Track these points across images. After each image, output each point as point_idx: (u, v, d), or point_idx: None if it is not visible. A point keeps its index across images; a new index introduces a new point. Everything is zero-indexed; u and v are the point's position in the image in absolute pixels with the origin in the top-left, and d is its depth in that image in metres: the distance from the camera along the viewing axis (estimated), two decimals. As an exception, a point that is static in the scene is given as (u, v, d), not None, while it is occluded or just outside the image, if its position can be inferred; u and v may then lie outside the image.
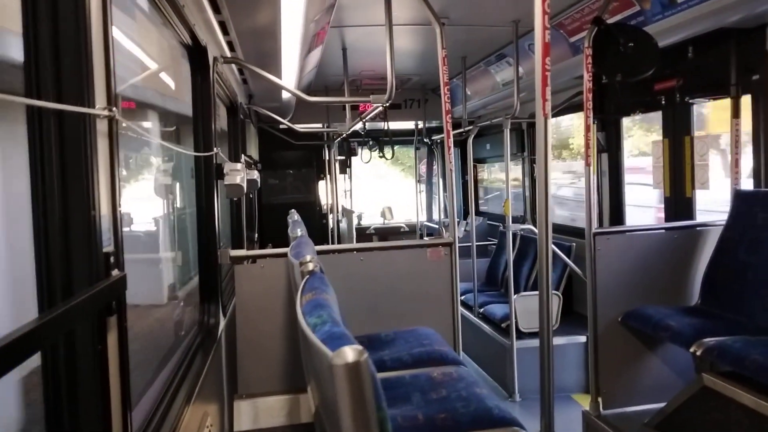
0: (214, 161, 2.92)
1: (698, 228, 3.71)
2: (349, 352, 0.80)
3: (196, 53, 2.78)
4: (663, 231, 3.79)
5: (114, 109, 1.25)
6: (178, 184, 3.38)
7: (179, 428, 1.87)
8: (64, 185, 1.14)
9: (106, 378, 1.22)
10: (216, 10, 2.72)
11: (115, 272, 1.25)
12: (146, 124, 2.76)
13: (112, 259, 1.23)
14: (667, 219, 4.34)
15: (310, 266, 1.48)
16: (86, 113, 1.14)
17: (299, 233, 2.84)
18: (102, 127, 1.22)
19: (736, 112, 3.59)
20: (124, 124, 1.38)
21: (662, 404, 3.17)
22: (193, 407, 2.12)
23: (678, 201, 4.23)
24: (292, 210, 4.31)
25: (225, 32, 3.08)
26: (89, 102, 1.16)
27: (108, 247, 1.23)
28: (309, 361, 1.22)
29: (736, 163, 3.58)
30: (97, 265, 1.18)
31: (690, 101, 4.03)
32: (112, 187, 1.27)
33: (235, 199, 4.18)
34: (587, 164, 3.39)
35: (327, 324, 0.99)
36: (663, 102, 4.24)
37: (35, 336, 0.92)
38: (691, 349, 2.88)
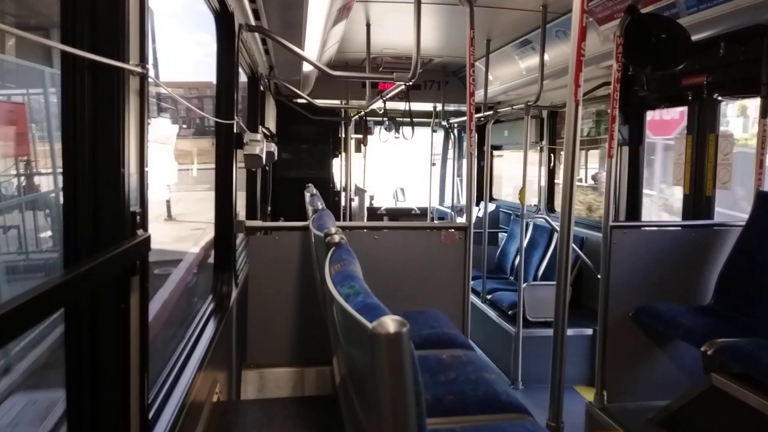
0: (235, 130, 2.90)
1: (716, 227, 3.66)
2: (390, 323, 0.79)
3: (222, 19, 2.74)
4: (680, 228, 3.75)
5: (147, 66, 1.23)
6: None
7: (191, 393, 1.88)
8: (96, 140, 1.12)
9: (127, 337, 1.22)
10: None
11: (140, 232, 1.24)
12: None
13: (138, 218, 1.23)
14: (685, 217, 4.29)
15: (336, 238, 1.48)
16: (120, 68, 1.13)
17: (320, 206, 2.83)
18: (134, 84, 1.21)
19: (765, 112, 3.51)
20: (154, 83, 1.37)
21: (667, 401, 3.17)
22: (204, 373, 2.14)
23: (697, 199, 4.18)
24: (310, 184, 4.29)
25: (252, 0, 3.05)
26: (124, 57, 1.14)
27: (135, 206, 1.22)
28: (338, 331, 1.21)
29: (760, 164, 3.52)
30: (124, 224, 1.17)
31: (718, 98, 3.96)
32: (141, 145, 1.26)
33: (253, 170, 4.17)
34: (609, 156, 3.34)
35: (360, 295, 0.98)
36: (690, 98, 4.16)
37: (62, 291, 0.92)
38: (702, 348, 2.86)
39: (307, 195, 3.89)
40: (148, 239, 1.27)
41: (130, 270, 1.21)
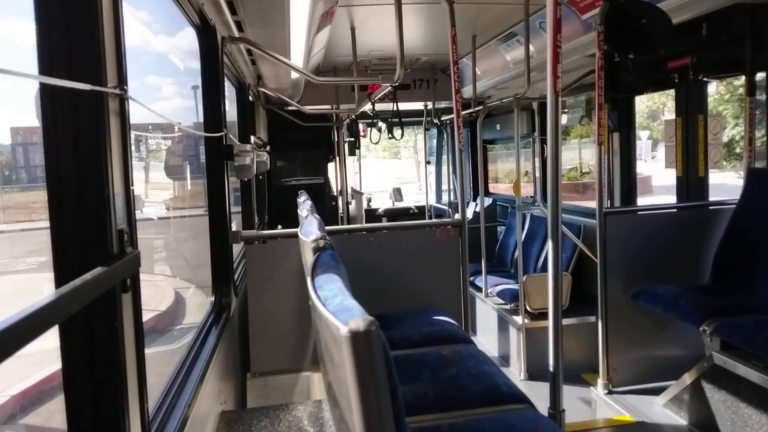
0: (224, 142, 2.93)
1: (710, 207, 3.68)
2: (360, 322, 0.81)
3: (204, 33, 2.77)
4: (675, 210, 3.77)
5: (125, 87, 1.25)
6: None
7: (194, 404, 1.91)
8: (79, 162, 1.15)
9: (122, 354, 1.24)
10: None
11: (129, 249, 1.26)
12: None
13: (126, 236, 1.25)
14: (679, 198, 4.31)
15: (321, 243, 1.50)
16: (98, 91, 1.15)
17: (307, 212, 2.86)
18: (114, 105, 1.23)
19: (750, 90, 3.53)
20: (134, 104, 1.39)
21: (672, 383, 3.19)
22: (207, 384, 2.16)
23: (691, 180, 4.20)
24: (302, 191, 4.32)
25: (233, 12, 3.07)
26: (101, 81, 1.16)
27: (122, 224, 1.25)
28: (320, 336, 1.24)
29: (749, 141, 3.53)
30: (112, 242, 1.19)
31: (704, 79, 3.97)
32: (125, 165, 1.28)
33: (245, 179, 4.20)
34: (599, 143, 3.36)
35: (338, 297, 1.00)
36: (676, 80, 4.18)
37: (53, 309, 0.94)
38: (702, 328, 2.88)
39: (299, 202, 3.92)
40: (137, 256, 1.29)
41: (120, 287, 1.23)
